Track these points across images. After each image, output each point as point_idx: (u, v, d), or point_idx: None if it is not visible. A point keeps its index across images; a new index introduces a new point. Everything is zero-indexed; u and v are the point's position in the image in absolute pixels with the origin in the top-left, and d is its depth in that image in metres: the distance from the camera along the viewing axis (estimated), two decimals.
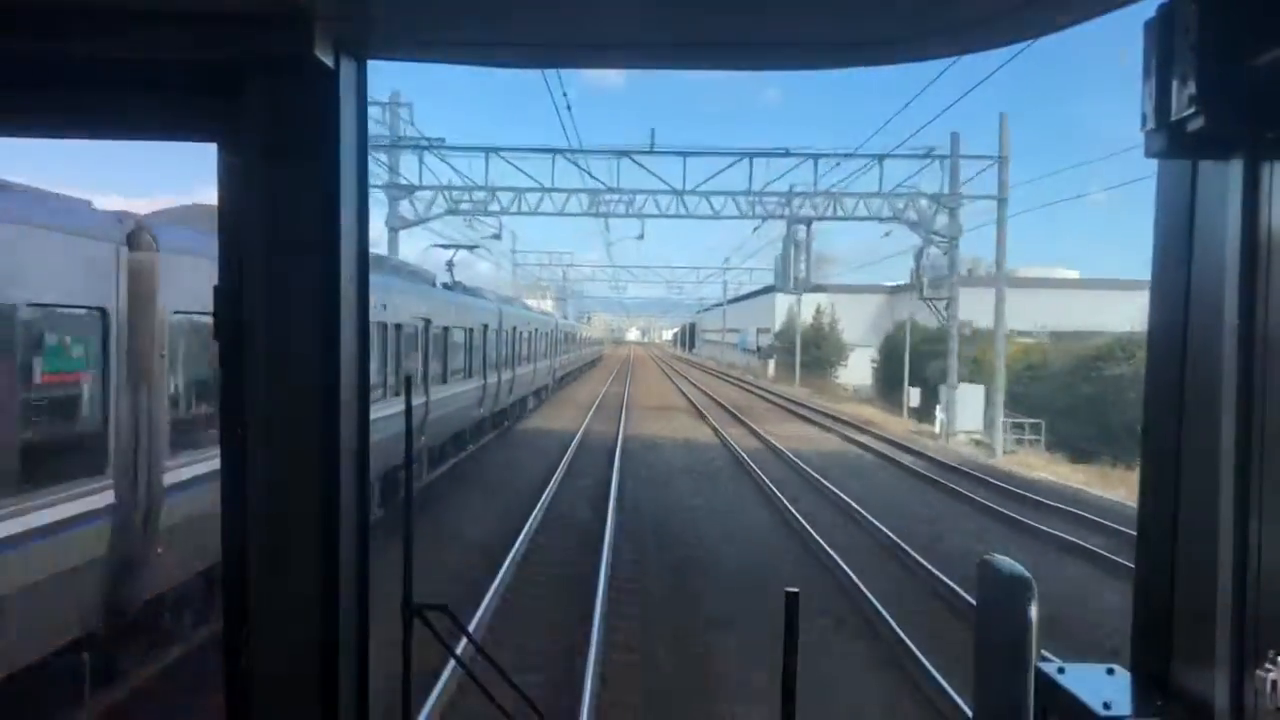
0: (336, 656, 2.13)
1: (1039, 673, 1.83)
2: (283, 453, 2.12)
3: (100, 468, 9.13)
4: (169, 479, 9.99)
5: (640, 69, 2.59)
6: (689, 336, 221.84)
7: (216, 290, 2.15)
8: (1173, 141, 1.63)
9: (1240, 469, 1.66)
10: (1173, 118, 1.60)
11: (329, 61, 2.08)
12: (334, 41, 2.09)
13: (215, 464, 2.25)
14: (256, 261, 2.12)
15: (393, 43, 2.20)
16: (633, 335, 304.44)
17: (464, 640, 2.65)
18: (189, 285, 9.89)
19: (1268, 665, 1.57)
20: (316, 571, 2.12)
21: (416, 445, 21.58)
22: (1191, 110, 1.56)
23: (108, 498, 9.13)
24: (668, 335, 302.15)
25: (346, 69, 2.15)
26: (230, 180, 2.16)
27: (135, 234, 9.57)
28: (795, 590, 2.19)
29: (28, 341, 8.23)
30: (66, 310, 8.78)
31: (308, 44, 2.01)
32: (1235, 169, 1.65)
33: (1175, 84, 1.59)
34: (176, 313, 10.13)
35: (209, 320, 2.18)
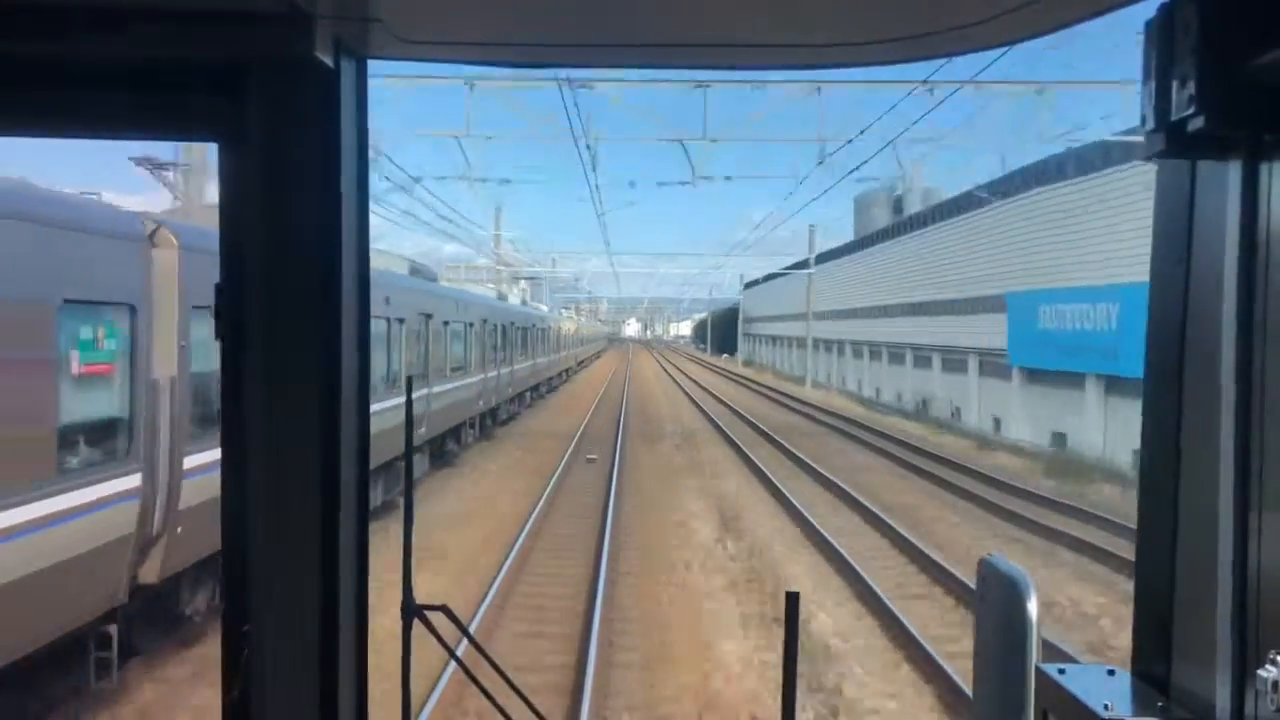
0: (336, 657, 2.14)
1: (1039, 673, 1.82)
2: (283, 453, 2.13)
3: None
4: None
5: (642, 68, 2.59)
6: (724, 331, 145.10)
7: (217, 289, 2.15)
8: (1172, 142, 1.62)
9: (1240, 469, 1.65)
10: (1172, 118, 1.59)
11: (329, 61, 2.08)
12: (334, 41, 2.09)
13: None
14: (257, 260, 2.12)
15: (394, 43, 2.20)
16: (631, 330, 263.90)
17: (464, 642, 2.64)
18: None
19: (1269, 665, 1.56)
20: (316, 571, 2.13)
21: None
22: (1191, 110, 1.55)
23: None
24: (683, 329, 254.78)
25: (347, 69, 2.15)
26: (231, 179, 2.16)
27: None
28: (796, 591, 2.18)
29: None
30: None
31: (308, 44, 2.01)
32: (1234, 170, 1.64)
33: (1175, 84, 1.58)
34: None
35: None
